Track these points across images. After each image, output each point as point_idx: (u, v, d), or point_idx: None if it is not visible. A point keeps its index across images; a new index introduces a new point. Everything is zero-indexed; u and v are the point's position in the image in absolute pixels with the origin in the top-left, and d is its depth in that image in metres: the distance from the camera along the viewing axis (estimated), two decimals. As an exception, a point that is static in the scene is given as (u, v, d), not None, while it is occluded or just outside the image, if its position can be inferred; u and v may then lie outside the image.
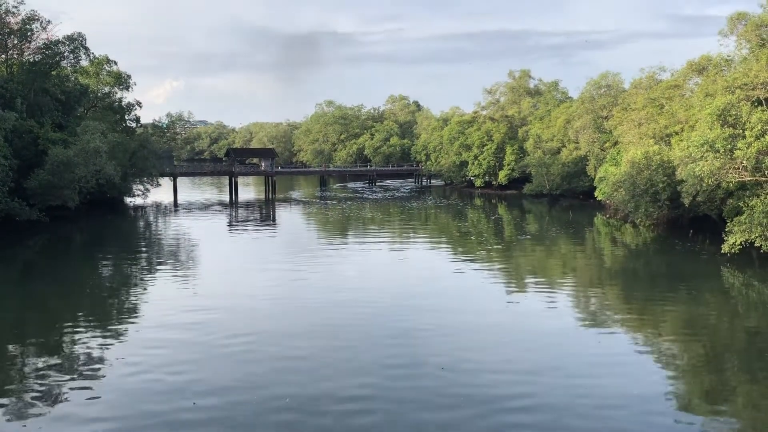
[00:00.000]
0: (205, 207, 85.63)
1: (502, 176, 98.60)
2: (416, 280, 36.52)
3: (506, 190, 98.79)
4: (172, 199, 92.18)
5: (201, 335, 25.35)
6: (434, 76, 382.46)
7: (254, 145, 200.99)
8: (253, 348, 23.80)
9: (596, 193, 69.46)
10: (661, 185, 50.69)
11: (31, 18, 66.06)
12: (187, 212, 77.95)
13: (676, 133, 55.19)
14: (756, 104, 43.12)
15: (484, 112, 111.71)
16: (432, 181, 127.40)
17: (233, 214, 78.67)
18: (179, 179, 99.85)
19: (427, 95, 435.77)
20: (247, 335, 25.38)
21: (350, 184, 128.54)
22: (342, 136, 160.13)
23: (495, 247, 50.67)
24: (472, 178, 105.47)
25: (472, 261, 44.01)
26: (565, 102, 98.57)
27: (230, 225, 68.01)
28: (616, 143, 70.51)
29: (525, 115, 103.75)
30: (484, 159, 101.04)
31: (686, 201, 44.86)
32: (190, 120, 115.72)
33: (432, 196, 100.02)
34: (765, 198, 38.94)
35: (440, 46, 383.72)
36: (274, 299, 31.91)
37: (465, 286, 35.77)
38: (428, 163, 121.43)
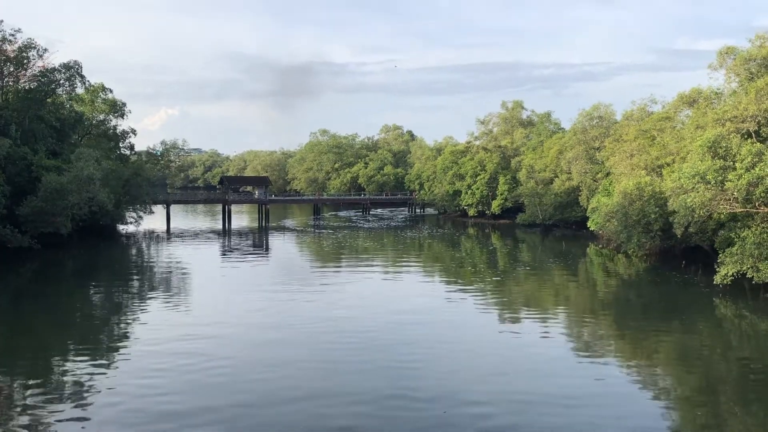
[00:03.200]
0: (198, 235, 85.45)
1: (496, 206, 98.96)
2: (411, 310, 36.37)
3: (499, 220, 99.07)
4: (165, 226, 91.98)
5: (192, 364, 25.14)
6: (428, 106, 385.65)
7: (248, 173, 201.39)
8: (245, 377, 23.61)
9: (589, 224, 69.73)
10: (653, 216, 50.98)
11: (28, 46, 66.50)
12: (179, 240, 77.72)
13: (668, 165, 55.64)
14: (746, 136, 43.63)
15: (477, 142, 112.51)
16: (425, 210, 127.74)
17: (226, 242, 78.50)
18: (172, 207, 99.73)
19: (420, 125, 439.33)
20: (239, 364, 25.19)
21: (344, 213, 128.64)
22: (336, 165, 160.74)
23: (489, 276, 50.66)
24: (465, 207, 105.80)
25: (466, 291, 43.94)
26: (557, 133, 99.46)
27: (223, 253, 67.82)
28: (608, 174, 71.02)
29: (518, 146, 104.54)
30: (478, 188, 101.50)
31: (678, 232, 45.10)
32: (185, 148, 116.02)
33: (426, 225, 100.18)
34: (756, 229, 39.20)
35: (434, 77, 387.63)
36: (267, 329, 31.73)
37: (459, 316, 35.66)
38: (422, 192, 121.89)
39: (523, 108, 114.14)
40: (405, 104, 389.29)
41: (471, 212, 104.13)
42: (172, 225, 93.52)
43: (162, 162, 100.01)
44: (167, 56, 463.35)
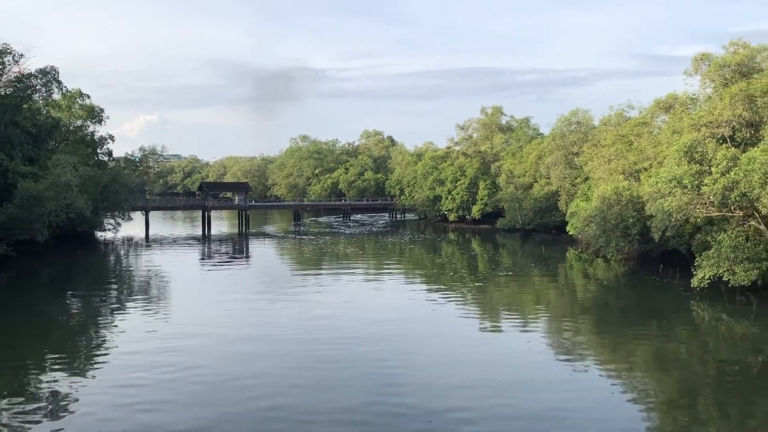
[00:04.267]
0: (178, 241, 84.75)
1: (476, 211, 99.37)
2: (393, 317, 36.35)
3: (480, 225, 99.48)
4: (143, 233, 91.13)
5: (171, 373, 24.90)
6: (409, 111, 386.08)
7: (228, 179, 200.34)
8: (225, 387, 23.42)
9: (568, 228, 70.27)
10: (631, 220, 51.51)
11: (3, 51, 65.55)
12: (158, 247, 77.04)
13: (645, 169, 56.28)
14: (721, 141, 44.31)
15: (458, 148, 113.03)
16: (406, 215, 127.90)
17: (206, 248, 77.95)
18: (151, 213, 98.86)
19: (402, 130, 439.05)
20: (218, 374, 24.99)
21: (324, 219, 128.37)
22: (316, 171, 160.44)
23: (470, 282, 50.82)
24: (446, 212, 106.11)
25: (447, 296, 44.04)
26: (536, 138, 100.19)
27: (202, 260, 67.33)
28: (586, 179, 71.65)
29: (497, 151, 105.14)
30: (458, 194, 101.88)
31: (656, 236, 45.61)
32: (164, 154, 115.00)
33: (407, 231, 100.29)
34: (731, 233, 39.77)
35: (416, 82, 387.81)
36: (246, 338, 31.55)
37: (441, 322, 35.72)
38: (402, 197, 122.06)
39: (502, 113, 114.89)
40: (386, 110, 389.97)
41: (451, 217, 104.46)
42: (150, 232, 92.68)
43: (141, 168, 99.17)
44: (146, 62, 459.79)
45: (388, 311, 37.95)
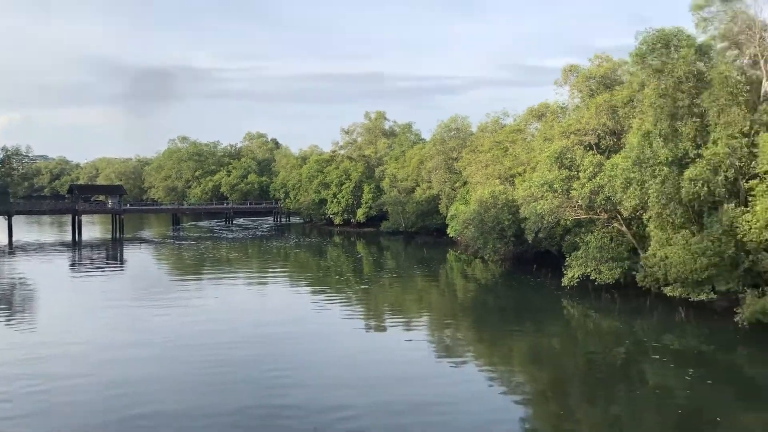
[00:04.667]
0: (45, 248, 79.36)
1: (360, 214, 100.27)
2: (277, 321, 35.94)
3: (364, 228, 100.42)
4: (6, 239, 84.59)
5: (39, 386, 23.30)
6: (293, 115, 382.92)
7: (101, 181, 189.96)
8: (98, 398, 22.22)
9: (448, 231, 72.41)
10: (506, 222, 53.81)
11: None
12: (23, 253, 71.80)
13: (519, 174, 58.98)
14: (588, 148, 47.31)
15: (342, 152, 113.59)
16: (291, 219, 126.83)
17: (76, 255, 73.54)
18: (15, 218, 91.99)
19: (286, 133, 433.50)
20: (90, 385, 23.67)
21: (205, 223, 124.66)
22: (197, 173, 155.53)
23: (355, 284, 51.14)
24: (331, 216, 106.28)
25: (332, 300, 44.06)
26: (418, 143, 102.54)
27: (73, 267, 63.47)
28: (465, 183, 74.14)
29: (381, 155, 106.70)
30: (343, 197, 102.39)
31: (530, 237, 47.91)
32: (29, 155, 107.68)
33: (292, 234, 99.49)
34: (598, 234, 42.57)
35: (302, 85, 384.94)
36: (121, 346, 30.05)
37: (326, 325, 35.70)
38: (287, 200, 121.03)
39: (385, 118, 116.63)
40: (270, 112, 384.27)
41: (337, 221, 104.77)
42: (14, 237, 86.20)
43: (2, 170, 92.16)
44: (9, 58, 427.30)
45: (272, 314, 37.50)
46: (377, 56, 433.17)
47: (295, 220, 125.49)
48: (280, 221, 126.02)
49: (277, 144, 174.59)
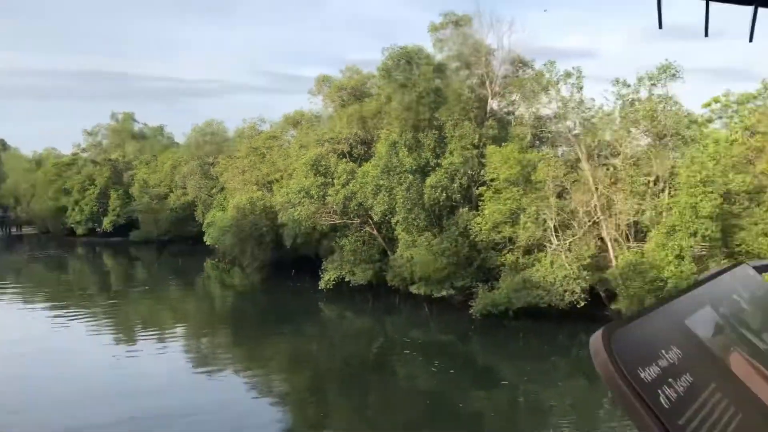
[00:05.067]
0: None
1: (107, 223, 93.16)
2: (9, 341, 31.94)
3: (112, 237, 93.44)
4: None
5: None
6: (24, 112, 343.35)
7: None
8: None
9: (205, 238, 70.36)
10: (265, 229, 53.88)
11: None
12: None
13: (277, 180, 59.42)
14: (341, 156, 49.34)
15: (86, 155, 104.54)
16: (24, 229, 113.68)
17: None
18: None
19: (14, 134, 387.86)
20: None
21: None
22: None
23: (101, 299, 47.44)
24: (73, 225, 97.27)
25: (76, 317, 40.33)
26: (171, 147, 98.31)
27: None
28: (222, 189, 72.76)
29: (130, 159, 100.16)
30: (87, 205, 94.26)
31: (288, 243, 48.56)
32: None
33: (26, 247, 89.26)
34: (351, 238, 44.62)
35: (22, 81, 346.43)
36: None
37: (68, 343, 32.65)
38: (18, 209, 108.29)
39: (134, 120, 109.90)
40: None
41: (80, 230, 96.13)
42: None
43: None
44: None
45: (5, 336, 33.28)
46: (124, 55, 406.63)
47: (28, 230, 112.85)
48: (10, 232, 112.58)
49: (4, 145, 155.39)
